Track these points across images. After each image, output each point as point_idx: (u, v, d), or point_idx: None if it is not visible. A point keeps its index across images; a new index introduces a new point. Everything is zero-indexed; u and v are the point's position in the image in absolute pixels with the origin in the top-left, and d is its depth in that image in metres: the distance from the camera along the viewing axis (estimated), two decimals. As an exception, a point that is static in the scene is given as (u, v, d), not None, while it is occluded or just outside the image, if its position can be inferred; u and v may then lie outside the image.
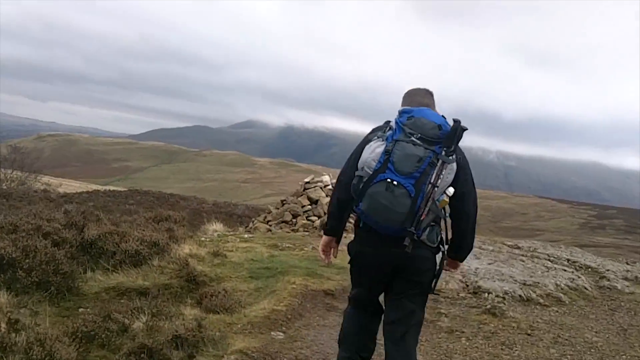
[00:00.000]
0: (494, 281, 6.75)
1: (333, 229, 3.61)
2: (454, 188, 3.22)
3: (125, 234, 6.54)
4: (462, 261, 3.61)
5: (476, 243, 8.88)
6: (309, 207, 10.00)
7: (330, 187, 10.05)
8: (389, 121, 3.41)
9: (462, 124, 3.21)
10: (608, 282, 7.45)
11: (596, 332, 5.72)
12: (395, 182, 3.12)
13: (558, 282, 6.99)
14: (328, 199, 9.74)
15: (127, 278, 5.93)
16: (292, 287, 5.82)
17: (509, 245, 9.15)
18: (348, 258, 3.55)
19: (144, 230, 7.16)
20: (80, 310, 5.15)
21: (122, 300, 5.59)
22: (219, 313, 5.13)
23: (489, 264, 7.53)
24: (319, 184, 10.39)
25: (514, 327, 5.55)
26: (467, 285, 6.65)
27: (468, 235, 3.43)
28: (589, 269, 8.17)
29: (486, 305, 6.01)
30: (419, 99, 3.52)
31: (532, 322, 5.77)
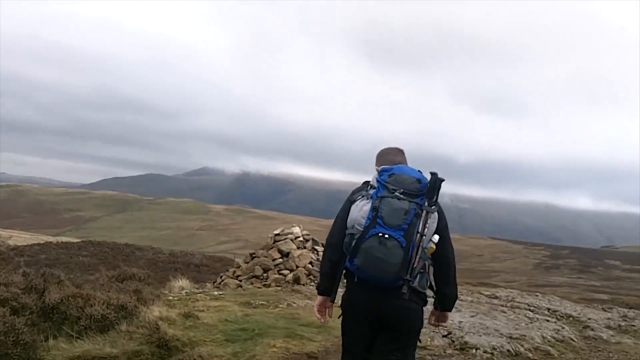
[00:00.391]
0: (480, 336, 6.50)
1: (327, 289, 3.69)
2: (437, 235, 3.45)
3: (90, 297, 6.08)
4: (450, 311, 3.76)
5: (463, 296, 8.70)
6: (280, 260, 9.63)
7: (301, 238, 9.79)
8: (368, 181, 3.63)
9: (438, 175, 3.46)
10: (593, 332, 7.30)
11: (592, 388, 5.51)
12: (386, 235, 3.30)
13: (544, 334, 6.79)
14: (299, 251, 9.44)
15: (93, 345, 5.46)
16: (273, 351, 5.44)
17: (486, 295, 8.97)
18: (335, 318, 3.73)
19: (109, 292, 6.71)
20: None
21: (88, 373, 5.14)
22: (197, 384, 4.73)
23: (472, 316, 7.30)
24: (289, 236, 10.07)
25: (509, 386, 5.30)
26: (453, 341, 6.39)
27: (452, 281, 3.62)
28: (571, 318, 8.03)
29: (478, 364, 5.75)
30: (391, 157, 3.79)
31: (525, 380, 5.53)
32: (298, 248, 9.64)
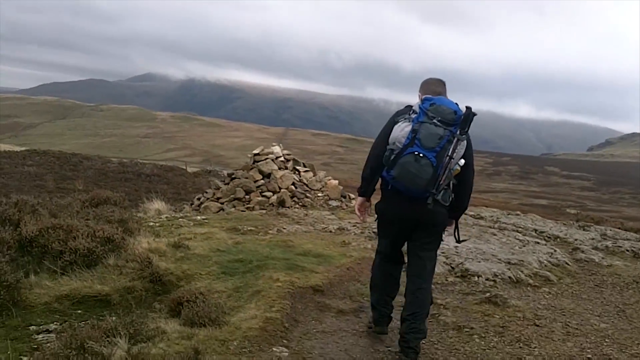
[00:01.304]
0: (479, 262, 6.38)
1: (367, 192, 4.40)
2: (464, 160, 4.10)
3: (72, 229, 5.59)
4: (457, 219, 4.50)
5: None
6: (262, 181, 9.17)
7: (282, 159, 9.35)
8: (411, 106, 4.21)
9: (472, 109, 4.03)
10: (584, 255, 7.30)
11: (598, 315, 5.47)
12: (421, 155, 3.91)
13: (540, 259, 6.73)
14: (281, 172, 9.01)
15: (81, 283, 5.04)
16: (278, 286, 5.14)
17: (471, 216, 8.87)
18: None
19: (87, 220, 6.24)
20: (34, 329, 4.29)
21: (79, 312, 4.75)
22: (204, 326, 4.38)
23: (465, 240, 7.18)
24: (270, 156, 9.56)
25: (520, 317, 5.19)
26: (453, 268, 6.25)
27: (466, 198, 4.33)
28: (558, 239, 8.03)
29: (483, 293, 5.62)
30: (433, 87, 4.33)
31: (534, 309, 5.43)
32: (279, 169, 9.21)
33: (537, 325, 5.06)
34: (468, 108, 4.05)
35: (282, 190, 8.67)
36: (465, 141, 4.06)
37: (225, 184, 9.18)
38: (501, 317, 5.15)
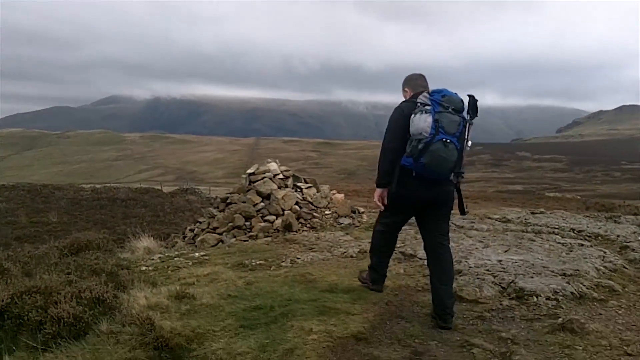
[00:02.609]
0: (532, 277, 5.49)
1: (388, 183, 4.74)
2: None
3: (52, 291, 4.57)
4: (459, 190, 4.85)
5: (466, 223, 7.68)
6: (262, 204, 8.07)
7: (280, 176, 8.31)
8: (415, 101, 4.63)
9: (474, 97, 4.61)
10: (635, 254, 6.48)
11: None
12: (448, 140, 4.40)
13: (596, 265, 5.87)
14: (282, 191, 7.99)
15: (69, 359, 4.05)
16: (313, 340, 4.16)
17: (498, 219, 8.00)
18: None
19: (68, 275, 5.22)
20: None
21: (70, 401, 3.77)
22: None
23: (505, 251, 6.31)
24: (267, 174, 8.43)
25: (606, 346, 4.29)
26: (504, 288, 5.34)
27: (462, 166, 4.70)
28: (600, 238, 7.21)
29: (551, 317, 4.73)
30: (420, 82, 4.89)
31: (616, 332, 4.55)
32: (279, 188, 8.23)
33: (630, 355, 4.19)
34: (471, 96, 4.66)
35: (285, 212, 7.66)
36: (472, 125, 4.62)
37: (220, 211, 8.09)
38: (584, 349, 4.25)
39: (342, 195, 8.44)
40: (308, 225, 7.42)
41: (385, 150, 4.73)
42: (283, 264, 6.01)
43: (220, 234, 7.41)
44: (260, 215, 7.63)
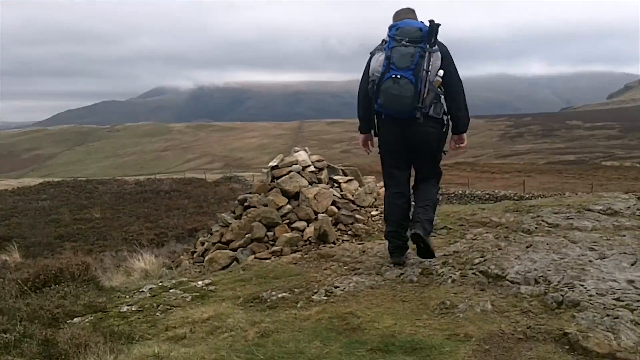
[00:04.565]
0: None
1: (367, 129, 4.77)
2: (442, 70, 4.31)
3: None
4: (464, 132, 4.68)
5: (560, 219, 5.77)
6: (288, 207, 6.03)
7: (311, 168, 6.26)
8: (384, 40, 4.47)
9: (434, 21, 4.29)
10: None
11: None
12: (398, 76, 4.24)
13: None
14: (314, 188, 6.02)
15: None
16: None
17: (601, 211, 5.98)
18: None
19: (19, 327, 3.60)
20: None
21: None
22: None
23: (633, 264, 4.37)
24: (294, 166, 6.35)
25: None
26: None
27: (462, 107, 4.53)
28: None
29: None
30: (402, 16, 4.63)
31: None
32: (311, 183, 6.25)
33: None
34: (431, 21, 4.31)
35: (319, 216, 5.68)
36: (438, 52, 4.31)
37: (236, 217, 6.15)
38: None
39: None
40: (350, 232, 5.59)
41: (357, 97, 4.68)
42: (315, 296, 4.21)
43: (235, 249, 5.57)
44: (287, 221, 5.71)
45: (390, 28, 4.42)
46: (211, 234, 6.26)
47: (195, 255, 5.99)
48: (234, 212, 6.21)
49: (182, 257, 6.16)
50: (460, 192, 30.00)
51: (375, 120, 4.63)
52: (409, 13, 4.63)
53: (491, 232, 5.30)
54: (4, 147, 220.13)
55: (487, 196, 27.84)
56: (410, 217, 4.63)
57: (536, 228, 5.35)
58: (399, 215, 4.64)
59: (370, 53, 4.54)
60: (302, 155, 6.30)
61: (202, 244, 6.05)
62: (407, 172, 4.73)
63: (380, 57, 4.38)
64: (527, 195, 26.97)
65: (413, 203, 4.69)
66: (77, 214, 30.29)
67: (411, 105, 4.22)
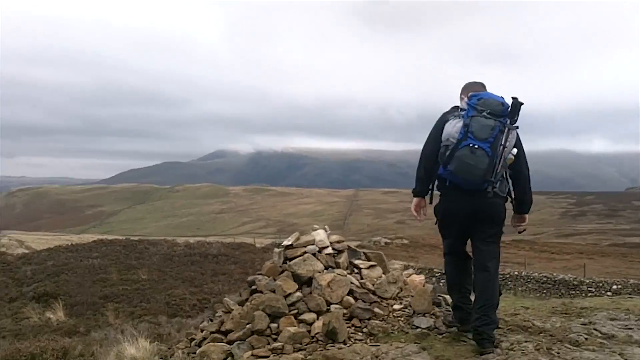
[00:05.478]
0: None
1: (423, 191, 4.61)
2: (516, 149, 4.35)
3: None
4: (526, 213, 4.67)
5: (617, 328, 4.84)
6: (298, 294, 5.15)
7: (329, 250, 5.49)
8: (457, 106, 4.54)
9: (518, 99, 4.26)
10: None
11: None
12: (476, 146, 4.16)
13: None
14: (329, 275, 5.25)
15: None
16: None
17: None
18: None
19: None
20: None
21: None
22: None
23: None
24: (310, 247, 5.51)
25: None
26: None
27: (527, 190, 4.54)
28: None
29: None
30: (477, 88, 4.58)
31: None
32: (327, 268, 5.42)
33: None
34: (514, 98, 4.26)
35: (332, 307, 4.99)
36: (516, 131, 4.33)
37: (240, 303, 5.33)
38: None
39: (422, 278, 5.72)
40: (364, 329, 4.78)
41: (420, 157, 4.57)
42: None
43: (233, 341, 4.83)
44: (294, 312, 4.87)
45: (471, 97, 4.35)
46: (211, 320, 5.56)
47: (192, 343, 5.28)
48: (241, 296, 5.51)
49: (178, 345, 5.46)
50: (516, 272, 28.44)
51: (435, 187, 4.60)
52: (482, 87, 4.62)
53: (532, 341, 4.41)
54: (70, 202, 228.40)
55: (545, 279, 26.25)
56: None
57: (586, 339, 4.43)
58: (464, 280, 4.67)
59: (442, 117, 4.48)
60: (320, 235, 5.57)
61: (202, 330, 5.33)
62: (466, 240, 4.67)
63: (457, 124, 4.30)
64: (587, 280, 25.36)
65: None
66: (124, 274, 30.27)
67: (483, 177, 4.19)
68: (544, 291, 24.52)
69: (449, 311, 5.02)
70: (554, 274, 27.21)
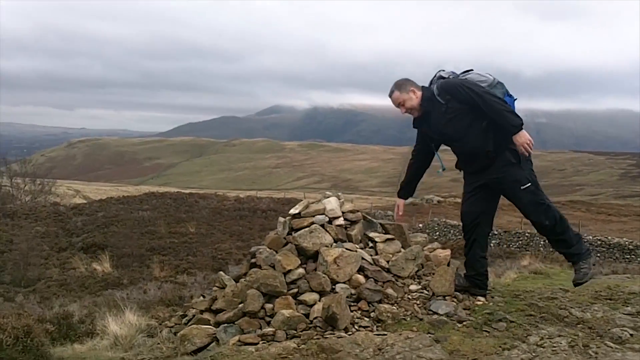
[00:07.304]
0: None
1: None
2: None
3: None
4: (514, 133, 4.41)
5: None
6: (300, 271, 4.48)
7: (340, 220, 4.59)
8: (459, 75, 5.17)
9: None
10: None
11: None
12: None
13: None
14: (337, 250, 4.30)
15: None
16: None
17: None
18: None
19: None
20: None
21: None
22: None
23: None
24: (318, 217, 4.80)
25: None
26: None
27: (494, 113, 4.60)
28: None
29: None
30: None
31: None
32: (337, 241, 4.72)
33: None
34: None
35: (338, 287, 4.35)
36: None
37: (235, 279, 4.75)
38: None
39: (447, 253, 4.95)
40: (372, 314, 4.10)
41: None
42: None
43: (219, 324, 4.21)
44: (294, 291, 4.16)
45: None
46: (202, 297, 4.98)
47: (183, 320, 4.74)
48: (234, 273, 4.89)
49: (170, 320, 4.94)
50: (571, 235, 27.15)
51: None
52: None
53: (566, 335, 3.67)
54: (128, 154, 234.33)
55: (599, 242, 24.94)
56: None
57: (631, 335, 3.66)
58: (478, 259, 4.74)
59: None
60: (331, 203, 4.86)
61: (193, 308, 4.76)
62: None
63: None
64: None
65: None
66: (173, 227, 30.58)
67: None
68: (598, 254, 23.29)
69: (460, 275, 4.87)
70: (609, 238, 25.87)
